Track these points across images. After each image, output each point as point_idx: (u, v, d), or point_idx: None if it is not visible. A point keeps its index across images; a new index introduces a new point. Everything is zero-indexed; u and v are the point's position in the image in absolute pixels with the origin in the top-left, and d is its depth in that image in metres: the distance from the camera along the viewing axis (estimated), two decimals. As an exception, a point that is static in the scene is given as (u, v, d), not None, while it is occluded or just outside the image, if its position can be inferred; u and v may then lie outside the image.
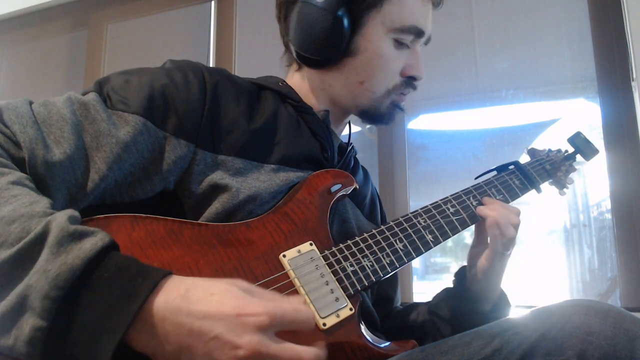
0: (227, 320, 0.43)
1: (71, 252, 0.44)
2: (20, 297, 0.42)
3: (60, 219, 0.46)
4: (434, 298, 0.88)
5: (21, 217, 0.46)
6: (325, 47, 0.76)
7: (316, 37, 0.75)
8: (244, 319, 0.43)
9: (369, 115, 0.83)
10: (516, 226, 0.76)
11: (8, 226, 0.45)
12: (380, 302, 0.89)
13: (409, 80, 0.82)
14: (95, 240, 0.45)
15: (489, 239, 0.77)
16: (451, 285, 0.87)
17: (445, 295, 0.86)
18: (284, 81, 0.85)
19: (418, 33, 0.79)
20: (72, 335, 0.42)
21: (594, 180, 1.59)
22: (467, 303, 0.81)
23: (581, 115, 1.63)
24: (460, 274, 0.85)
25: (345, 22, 0.75)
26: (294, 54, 0.80)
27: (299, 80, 0.85)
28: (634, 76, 1.48)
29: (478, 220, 0.78)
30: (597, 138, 1.49)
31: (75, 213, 0.49)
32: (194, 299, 0.44)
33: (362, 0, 0.75)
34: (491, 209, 0.77)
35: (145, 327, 0.43)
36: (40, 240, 0.45)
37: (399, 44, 0.79)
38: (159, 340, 0.43)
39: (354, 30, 0.77)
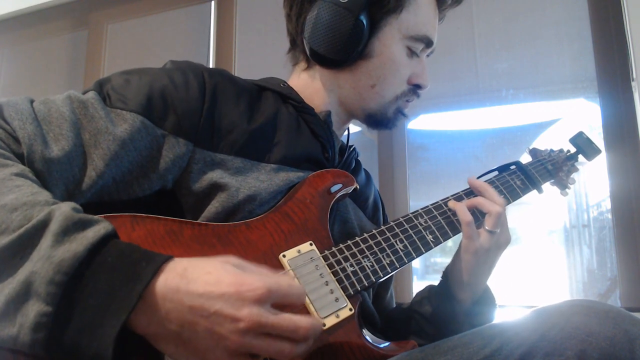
0: (226, 295, 0.44)
1: (74, 240, 0.44)
2: (24, 283, 0.43)
3: (65, 208, 0.47)
4: (417, 295, 0.86)
5: (23, 206, 0.47)
6: (343, 48, 0.76)
7: (336, 36, 0.75)
8: (243, 293, 0.44)
9: (375, 120, 0.84)
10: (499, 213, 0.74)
11: (10, 214, 0.46)
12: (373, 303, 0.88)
13: (414, 89, 0.83)
14: (98, 228, 0.46)
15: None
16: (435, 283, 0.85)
17: (428, 293, 0.84)
18: (286, 82, 0.85)
19: (428, 43, 0.81)
20: (75, 320, 0.43)
21: (593, 180, 1.59)
22: (449, 300, 0.79)
23: (581, 115, 1.63)
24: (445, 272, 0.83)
25: (365, 24, 0.75)
26: (308, 52, 0.80)
27: (305, 80, 0.85)
28: (634, 76, 1.48)
29: (480, 220, 0.78)
30: (597, 138, 1.48)
31: (78, 205, 0.50)
32: (192, 277, 0.45)
33: (383, 5, 0.76)
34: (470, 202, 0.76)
35: (146, 308, 0.44)
36: (41, 227, 0.45)
37: (411, 52, 0.81)
38: (160, 319, 0.44)
39: (371, 33, 0.78)
